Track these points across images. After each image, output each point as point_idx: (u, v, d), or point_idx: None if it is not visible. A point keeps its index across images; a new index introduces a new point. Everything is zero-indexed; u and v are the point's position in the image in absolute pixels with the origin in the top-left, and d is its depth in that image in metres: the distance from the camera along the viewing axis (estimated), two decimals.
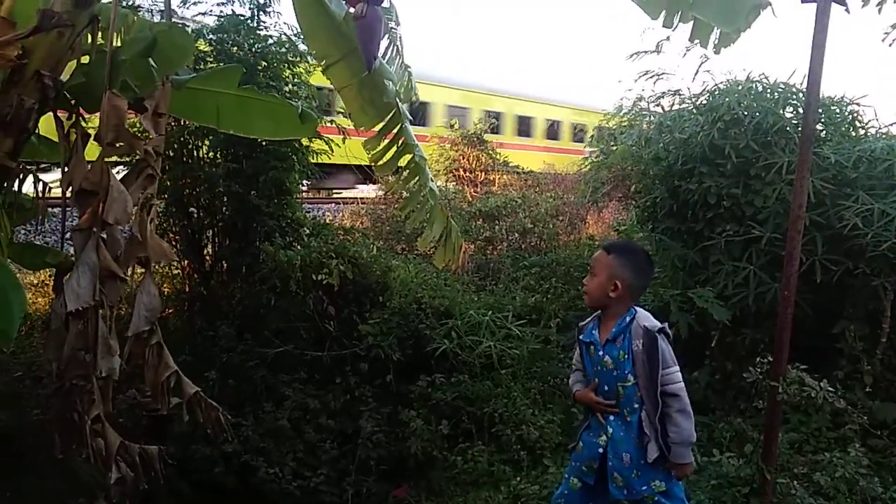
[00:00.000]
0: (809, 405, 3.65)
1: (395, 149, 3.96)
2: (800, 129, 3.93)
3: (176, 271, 6.40)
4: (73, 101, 2.81)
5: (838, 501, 3.39)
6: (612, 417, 2.76)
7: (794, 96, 5.11)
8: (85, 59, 2.84)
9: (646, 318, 2.72)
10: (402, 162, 4.01)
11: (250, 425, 4.79)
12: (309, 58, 5.94)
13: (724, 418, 4.58)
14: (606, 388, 2.76)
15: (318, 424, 4.97)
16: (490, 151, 14.42)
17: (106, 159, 2.63)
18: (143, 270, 2.81)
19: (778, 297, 3.66)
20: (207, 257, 6.23)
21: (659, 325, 2.69)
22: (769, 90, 5.22)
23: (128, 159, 4.01)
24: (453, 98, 20.62)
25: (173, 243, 6.05)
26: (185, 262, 6.24)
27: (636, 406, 2.69)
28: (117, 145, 2.68)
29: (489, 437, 4.80)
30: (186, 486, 4.44)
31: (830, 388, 3.51)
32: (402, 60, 4.72)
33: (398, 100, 3.85)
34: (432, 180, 4.17)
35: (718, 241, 4.93)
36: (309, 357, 5.37)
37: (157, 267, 5.46)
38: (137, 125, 3.82)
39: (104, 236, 2.58)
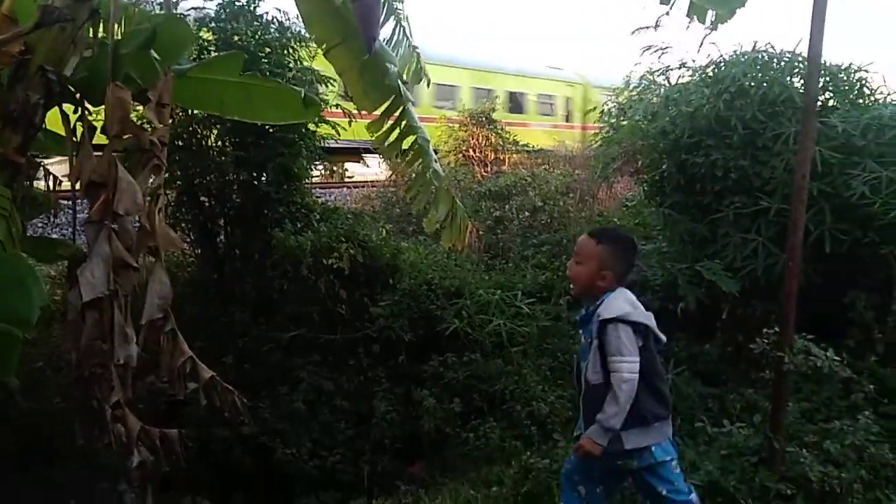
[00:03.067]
0: (818, 374, 3.66)
1: (398, 131, 3.99)
2: None
3: (190, 259, 6.49)
4: (77, 95, 2.84)
5: (847, 468, 3.41)
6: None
7: (801, 65, 5.04)
8: (87, 53, 2.87)
9: (606, 307, 2.67)
10: (406, 144, 4.04)
11: (267, 408, 4.89)
12: (311, 43, 5.94)
13: (736, 389, 4.59)
14: (582, 364, 2.83)
15: (332, 406, 5.06)
16: (499, 131, 14.35)
17: (113, 151, 2.67)
18: (153, 259, 2.86)
19: None
20: (220, 245, 6.30)
21: (618, 313, 2.63)
22: (775, 60, 5.16)
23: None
24: (477, 80, 21.06)
25: (186, 232, 6.12)
26: (199, 249, 6.32)
27: None
28: (123, 137, 2.72)
29: (500, 413, 4.85)
30: (206, 468, 4.54)
31: (836, 357, 3.51)
32: (410, 42, 4.71)
33: (400, 82, 3.87)
34: (436, 161, 4.20)
35: (727, 214, 4.90)
36: (322, 340, 5.45)
37: (171, 255, 5.55)
38: (144, 117, 3.87)
39: (115, 227, 2.63)
